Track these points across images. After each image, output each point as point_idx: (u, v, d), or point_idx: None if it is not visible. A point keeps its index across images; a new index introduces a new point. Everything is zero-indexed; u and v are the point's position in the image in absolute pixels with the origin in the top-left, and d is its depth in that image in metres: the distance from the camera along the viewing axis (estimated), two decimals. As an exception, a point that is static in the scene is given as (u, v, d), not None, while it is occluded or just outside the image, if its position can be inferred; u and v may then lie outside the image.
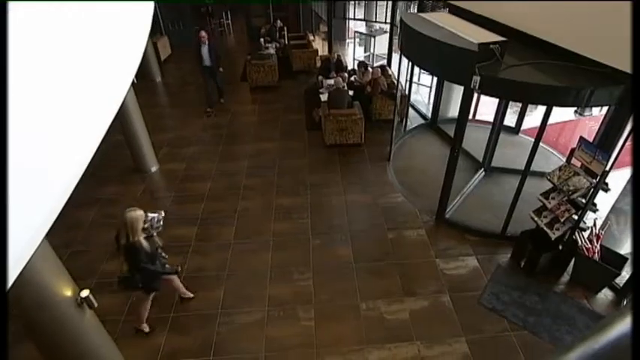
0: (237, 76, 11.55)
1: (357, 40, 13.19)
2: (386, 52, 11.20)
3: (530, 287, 4.98)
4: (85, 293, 3.16)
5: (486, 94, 4.89)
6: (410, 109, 8.83)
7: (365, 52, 12.76)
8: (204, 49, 8.67)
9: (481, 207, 6.21)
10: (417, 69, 8.91)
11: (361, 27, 12.93)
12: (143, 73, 10.65)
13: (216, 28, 15.82)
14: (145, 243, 4.02)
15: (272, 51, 11.35)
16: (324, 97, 8.69)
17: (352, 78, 9.62)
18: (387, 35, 11.04)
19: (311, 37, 12.68)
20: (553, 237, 4.83)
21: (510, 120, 7.90)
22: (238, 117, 9.30)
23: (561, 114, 8.62)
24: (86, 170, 2.44)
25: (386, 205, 6.42)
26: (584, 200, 4.65)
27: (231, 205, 6.44)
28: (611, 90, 4.07)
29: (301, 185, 6.88)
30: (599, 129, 4.76)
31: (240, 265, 5.36)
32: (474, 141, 7.20)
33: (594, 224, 4.93)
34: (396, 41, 10.16)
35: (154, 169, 7.36)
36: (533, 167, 5.01)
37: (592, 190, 4.48)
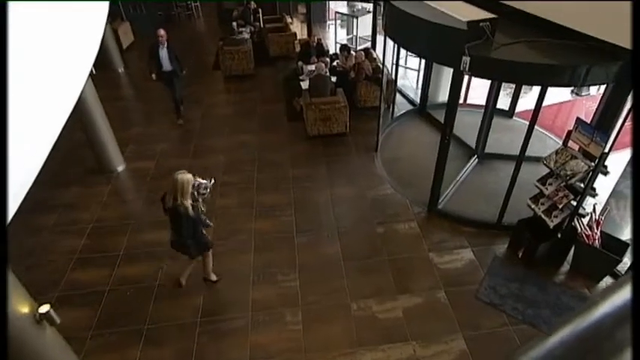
0: (208, 65, 11.39)
1: (339, 21, 13.15)
2: (370, 33, 11.19)
3: (529, 278, 5.07)
4: (44, 309, 3.05)
5: (477, 75, 4.93)
6: (397, 94, 8.85)
7: (347, 34, 12.73)
8: (164, 52, 7.77)
9: (475, 196, 6.28)
10: (403, 51, 8.93)
11: (342, 7, 12.87)
12: (103, 63, 10.39)
13: (183, 12, 15.51)
14: (190, 208, 4.27)
15: (246, 35, 11.20)
16: (304, 85, 8.64)
17: (334, 63, 9.57)
18: (371, 15, 11.02)
19: (288, 20, 12.56)
20: (551, 225, 4.92)
21: (504, 103, 7.99)
22: (212, 109, 9.17)
23: (557, 95, 8.79)
24: (43, 173, 2.36)
25: (375, 197, 6.44)
26: (582, 185, 4.73)
27: (208, 203, 6.22)
28: (609, 67, 4.13)
29: (283, 180, 6.85)
30: (596, 109, 4.84)
31: (219, 268, 5.29)
32: (466, 126, 7.27)
33: (594, 210, 5.02)
34: (380, 22, 10.15)
35: (120, 168, 7.22)
36: (529, 152, 5.08)
37: (590, 173, 4.56)
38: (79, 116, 6.42)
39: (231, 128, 8.38)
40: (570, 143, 4.84)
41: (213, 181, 4.56)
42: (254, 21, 12.70)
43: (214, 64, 11.25)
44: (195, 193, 4.41)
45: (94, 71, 9.55)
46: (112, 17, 11.78)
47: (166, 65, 7.89)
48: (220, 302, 4.92)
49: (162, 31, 7.68)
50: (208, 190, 4.52)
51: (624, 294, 0.86)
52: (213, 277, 5.14)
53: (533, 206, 5.10)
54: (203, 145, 7.86)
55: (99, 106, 6.69)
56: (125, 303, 4.92)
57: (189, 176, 4.26)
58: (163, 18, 14.90)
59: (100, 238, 5.83)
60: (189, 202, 4.27)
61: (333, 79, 8.64)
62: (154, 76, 8.04)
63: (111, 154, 7.09)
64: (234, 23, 11.87)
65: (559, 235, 5.12)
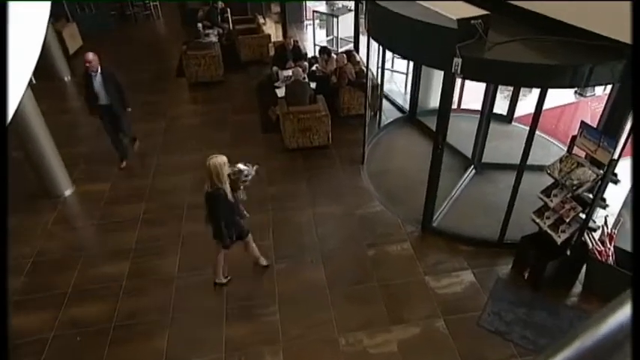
0: (171, 71, 11.36)
1: (317, 21, 13.30)
2: (352, 34, 11.34)
3: (538, 302, 5.09)
4: None
5: (470, 78, 5.00)
6: (384, 100, 8.95)
7: (327, 35, 12.89)
8: (97, 81, 6.88)
9: (474, 211, 6.33)
10: (389, 53, 9.06)
11: (321, 6, 13.05)
12: (45, 70, 10.22)
13: (141, 12, 15.44)
14: (229, 193, 4.62)
15: (214, 38, 11.24)
16: (280, 92, 8.67)
17: (314, 67, 9.66)
18: (352, 14, 11.18)
19: (261, 20, 12.68)
20: (559, 241, 4.96)
21: (501, 107, 8.14)
22: (176, 121, 9.12)
23: (560, 96, 9.00)
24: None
25: (362, 216, 6.44)
26: (591, 195, 4.80)
27: (173, 229, 6.27)
28: (614, 65, 4.23)
29: (259, 200, 6.75)
30: (603, 111, 4.95)
31: (187, 303, 5.20)
32: (461, 134, 7.36)
33: (605, 223, 5.10)
34: (363, 21, 10.31)
35: (67, 192, 7.05)
36: (531, 160, 5.14)
37: (599, 182, 4.63)
38: (15, 131, 6.25)
39: (198, 142, 8.31)
40: (575, 150, 4.92)
41: (256, 166, 4.92)
42: (222, 22, 12.77)
43: (178, 71, 11.22)
44: (236, 180, 4.77)
45: (33, 81, 9.40)
46: (56, 17, 11.65)
47: (102, 97, 6.98)
48: (188, 342, 4.79)
49: (90, 56, 6.73)
50: (250, 177, 4.85)
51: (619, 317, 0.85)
52: (264, 262, 5.58)
53: (537, 220, 5.15)
54: (167, 163, 7.77)
55: (41, 121, 6.53)
56: (74, 350, 4.74)
57: (222, 159, 4.56)
58: (117, 18, 14.84)
59: (43, 274, 5.64)
60: (227, 187, 4.62)
61: (313, 85, 8.70)
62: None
63: (56, 176, 6.91)
64: (200, 24, 11.92)
65: (568, 252, 5.16)
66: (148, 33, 14.57)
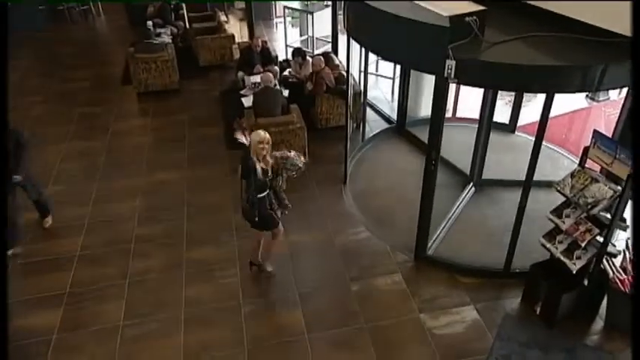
0: (115, 78, 11.29)
1: (289, 19, 13.42)
2: (329, 33, 11.46)
3: (553, 341, 5.08)
4: None
5: (465, 83, 5.08)
6: (368, 109, 9.04)
7: (301, 35, 13.01)
8: None
9: (474, 236, 6.38)
10: (372, 55, 9.17)
11: (293, 1, 13.18)
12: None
13: (77, 7, 15.26)
14: (258, 166, 5.07)
15: (166, 39, 11.21)
16: (248, 102, 8.67)
17: (286, 72, 9.71)
18: (330, 10, 11.32)
19: (223, 18, 12.72)
20: (574, 269, 4.99)
21: (502, 115, 8.28)
22: (122, 137, 9.02)
23: (570, 101, 9.19)
24: None
25: (345, 244, 6.44)
26: (609, 215, 4.87)
27: (117, 268, 6.16)
28: (629, 65, 4.34)
29: (224, 229, 6.75)
30: (618, 118, 5.05)
31: (135, 357, 5.07)
32: (458, 147, 7.43)
33: (627, 247, 5.15)
34: (341, 18, 10.43)
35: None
36: (538, 176, 5.20)
37: (617, 200, 4.69)
38: None
39: (149, 163, 8.24)
40: (589, 163, 5.00)
41: (302, 165, 5.36)
42: (176, 20, 12.78)
43: (123, 78, 11.15)
44: (282, 165, 5.25)
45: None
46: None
47: None
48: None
49: None
50: (296, 167, 5.31)
51: None
52: (269, 267, 5.97)
53: (548, 245, 5.18)
54: (110, 187, 7.66)
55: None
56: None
57: (259, 136, 5.04)
58: (47, 14, 14.53)
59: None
60: (256, 160, 5.06)
61: (285, 92, 8.74)
62: None
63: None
64: (150, 23, 11.80)
65: (586, 282, 5.21)
66: (86, 33, 14.44)
